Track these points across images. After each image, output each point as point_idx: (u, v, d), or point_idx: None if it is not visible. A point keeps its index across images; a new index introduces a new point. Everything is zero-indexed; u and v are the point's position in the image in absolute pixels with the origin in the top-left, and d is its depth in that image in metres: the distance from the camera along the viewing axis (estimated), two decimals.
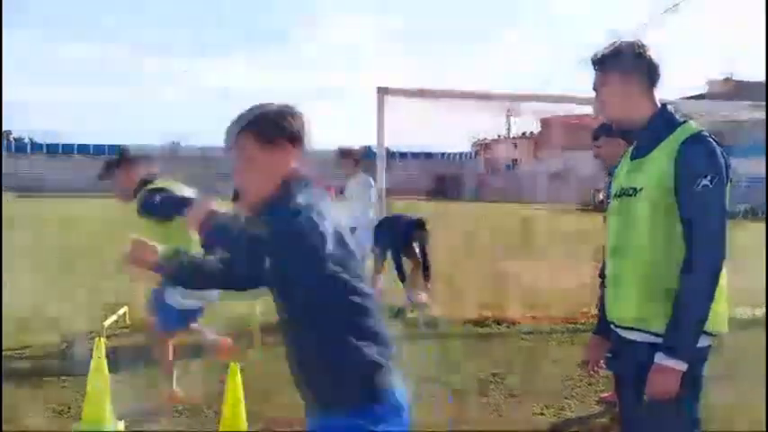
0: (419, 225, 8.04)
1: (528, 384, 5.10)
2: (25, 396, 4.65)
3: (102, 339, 4.05)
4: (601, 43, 2.41)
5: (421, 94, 9.14)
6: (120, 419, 3.97)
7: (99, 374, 3.86)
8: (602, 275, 2.66)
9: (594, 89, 2.42)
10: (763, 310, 7.01)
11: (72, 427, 3.90)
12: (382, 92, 8.44)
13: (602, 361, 2.59)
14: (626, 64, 2.32)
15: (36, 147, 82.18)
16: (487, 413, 4.49)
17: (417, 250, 8.18)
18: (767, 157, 22.73)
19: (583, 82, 2.45)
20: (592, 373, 2.65)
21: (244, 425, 3.12)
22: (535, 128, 63.66)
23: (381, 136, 8.54)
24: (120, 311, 6.74)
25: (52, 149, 78.79)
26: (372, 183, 7.57)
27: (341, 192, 7.94)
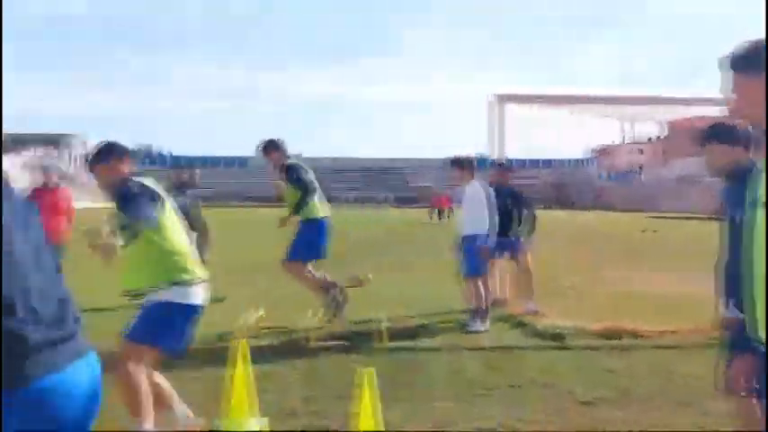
0: (514, 195, 8.19)
1: (660, 398, 4.96)
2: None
3: (244, 340, 4.33)
4: (731, 44, 2.31)
5: (538, 100, 9.10)
6: (263, 417, 4.23)
7: (242, 373, 4.13)
8: (728, 291, 2.53)
9: (728, 92, 2.28)
10: None
11: (213, 424, 4.19)
12: (500, 99, 8.49)
13: (742, 379, 2.49)
14: (764, 64, 2.17)
15: (161, 159, 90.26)
16: (618, 426, 4.41)
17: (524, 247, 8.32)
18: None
19: (714, 83, 2.34)
20: (733, 392, 2.55)
21: (381, 427, 3.25)
22: (661, 132, 60.90)
23: (501, 143, 8.57)
24: (258, 313, 7.15)
25: (178, 161, 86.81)
26: (486, 190, 7.60)
27: (458, 201, 8.04)
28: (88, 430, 1.96)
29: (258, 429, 4.09)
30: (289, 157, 7.37)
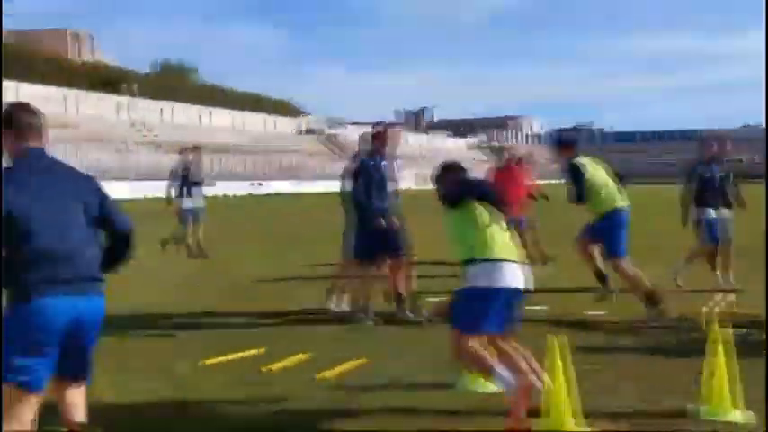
0: None
1: None
2: None
3: (718, 328, 4.11)
4: None
5: None
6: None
7: (719, 361, 3.94)
8: None
9: None
10: None
11: (692, 409, 4.11)
12: None
13: None
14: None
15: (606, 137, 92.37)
16: None
17: None
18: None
19: None
20: None
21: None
22: None
23: None
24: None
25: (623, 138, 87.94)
26: None
27: None
28: (83, 355, 2.81)
29: (743, 422, 3.87)
30: (576, 155, 6.97)
